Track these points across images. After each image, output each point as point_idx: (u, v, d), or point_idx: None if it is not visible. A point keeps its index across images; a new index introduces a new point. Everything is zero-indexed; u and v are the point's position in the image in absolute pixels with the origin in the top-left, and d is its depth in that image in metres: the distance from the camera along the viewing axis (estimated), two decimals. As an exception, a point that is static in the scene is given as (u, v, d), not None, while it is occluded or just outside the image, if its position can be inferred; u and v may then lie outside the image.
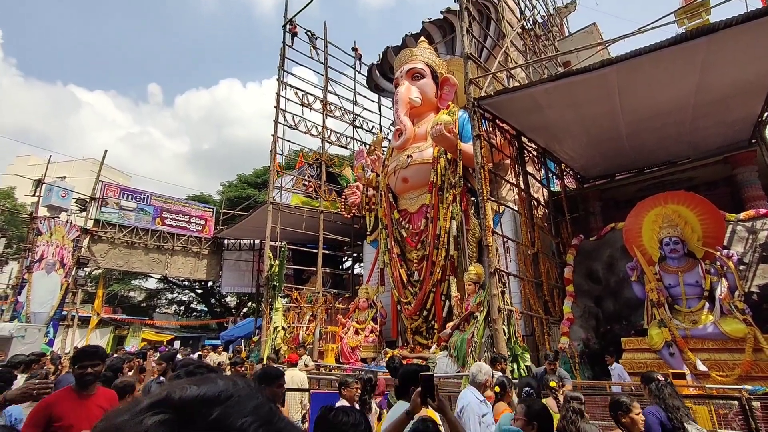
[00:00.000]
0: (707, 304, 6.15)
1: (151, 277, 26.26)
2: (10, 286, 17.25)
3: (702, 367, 5.26)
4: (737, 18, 5.65)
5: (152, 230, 17.72)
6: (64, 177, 21.75)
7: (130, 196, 17.64)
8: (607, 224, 9.44)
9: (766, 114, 8.76)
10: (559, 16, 18.05)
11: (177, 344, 23.50)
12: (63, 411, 2.45)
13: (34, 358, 5.57)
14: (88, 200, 16.53)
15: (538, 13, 14.91)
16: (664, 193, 7.57)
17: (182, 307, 32.17)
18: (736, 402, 3.77)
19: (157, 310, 30.67)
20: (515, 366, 6.66)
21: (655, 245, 6.99)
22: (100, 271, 18.91)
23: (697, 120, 8.50)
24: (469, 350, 7.65)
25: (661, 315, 6.30)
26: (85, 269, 16.41)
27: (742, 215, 7.45)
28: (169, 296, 31.52)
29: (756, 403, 3.76)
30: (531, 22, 13.66)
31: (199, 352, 13.28)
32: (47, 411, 2.44)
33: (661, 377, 3.38)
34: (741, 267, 6.75)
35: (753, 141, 9.55)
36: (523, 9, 13.23)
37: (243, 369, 6.53)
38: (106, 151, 16.90)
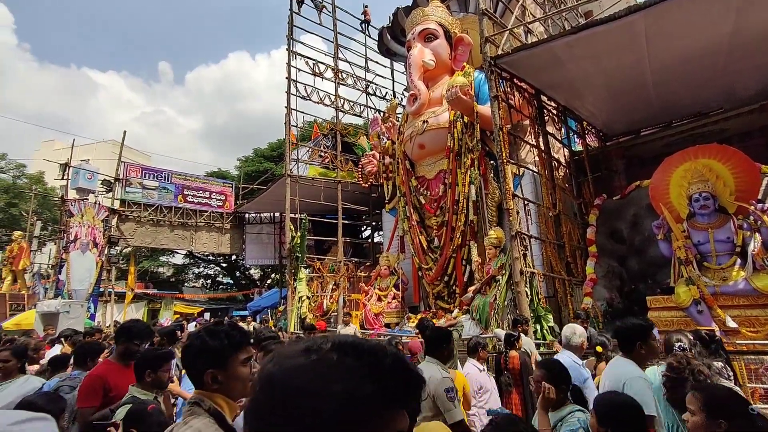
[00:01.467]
0: (738, 260, 5.98)
1: (177, 253, 27.18)
2: (51, 266, 18.16)
3: (732, 324, 5.19)
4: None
5: (175, 207, 18.18)
6: (88, 160, 22.29)
7: (151, 175, 18.04)
8: (630, 183, 9.16)
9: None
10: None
11: (207, 315, 24.58)
12: (115, 381, 2.64)
13: (91, 331, 6.08)
14: (112, 181, 16.99)
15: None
16: (694, 147, 7.23)
17: (209, 281, 33.40)
18: (766, 357, 3.73)
19: (186, 284, 31.97)
20: (538, 327, 6.73)
21: (683, 202, 6.75)
22: (130, 249, 19.67)
23: (731, 64, 7.97)
24: (492, 313, 7.75)
25: (689, 272, 6.17)
26: (116, 247, 17.15)
27: (778, 166, 7.08)
28: (196, 271, 32.70)
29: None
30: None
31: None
32: (102, 382, 2.63)
33: (683, 340, 3.19)
34: (776, 220, 6.49)
35: (793, 86, 8.93)
36: (541, -44, 12.37)
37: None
38: (125, 132, 17.18)
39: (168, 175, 18.44)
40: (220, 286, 33.35)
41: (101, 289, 16.14)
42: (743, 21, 6.56)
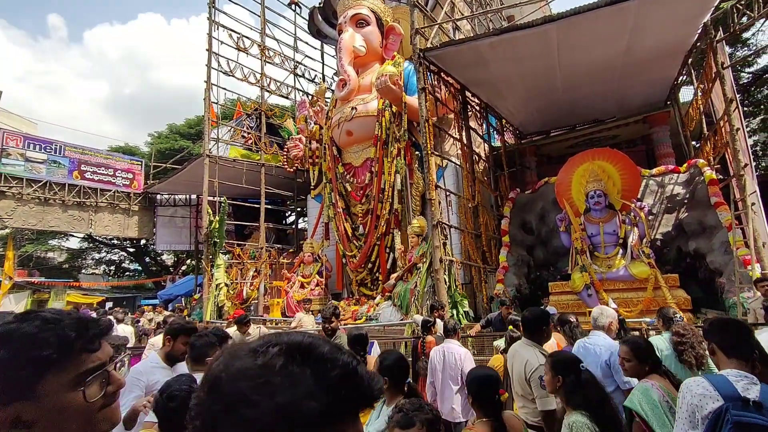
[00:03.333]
0: (621, 251, 6.93)
1: (72, 236, 24.09)
2: None
3: (613, 305, 5.98)
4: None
5: (70, 185, 15.98)
6: (-50, 123, 18.61)
7: (37, 146, 15.59)
8: (541, 178, 10.06)
9: (681, 77, 9.56)
10: (505, -34, 17.78)
11: (108, 305, 22.26)
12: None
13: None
14: (-16, 150, 14.39)
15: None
16: (592, 150, 8.16)
17: (112, 267, 30.19)
18: (637, 333, 4.39)
19: (83, 271, 28.52)
20: (454, 312, 7.15)
21: (582, 198, 7.61)
22: (7, 230, 16.94)
23: (623, 79, 9.08)
24: (412, 299, 8.06)
25: (583, 261, 7.00)
26: (-10, 229, 14.63)
27: (654, 171, 8.29)
28: (96, 256, 29.33)
29: (652, 332, 4.41)
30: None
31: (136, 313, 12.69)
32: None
33: (573, 319, 3.83)
34: (650, 217, 7.60)
35: (668, 102, 10.45)
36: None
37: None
38: (0, 92, 14.58)
39: (60, 147, 16.09)
40: (126, 273, 30.32)
41: (-30, 277, 13.75)
42: (634, 42, 7.49)
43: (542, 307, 7.23)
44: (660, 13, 6.78)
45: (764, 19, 7.35)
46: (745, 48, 15.18)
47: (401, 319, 8.17)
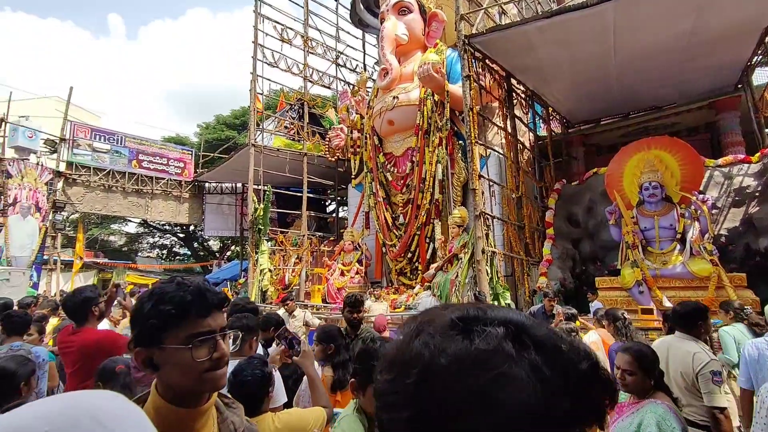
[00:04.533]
0: (678, 246, 6.49)
1: (131, 221, 25.86)
2: (-15, 231, 16.75)
3: (667, 303, 5.65)
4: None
5: (129, 173, 17.13)
6: (27, 117, 20.41)
7: (102, 137, 16.79)
8: (588, 169, 9.59)
9: (756, 58, 8.70)
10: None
11: (163, 287, 23.77)
12: None
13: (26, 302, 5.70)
14: (58, 141, 15.69)
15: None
16: (648, 138, 7.65)
17: (164, 251, 32.16)
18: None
19: (140, 254, 30.62)
20: (496, 303, 7.02)
21: (634, 190, 7.18)
22: (78, 215, 18.45)
23: (687, 62, 8.39)
24: (452, 290, 8.00)
25: (634, 256, 6.63)
26: (62, 213, 15.99)
27: (720, 161, 7.65)
28: (151, 240, 31.34)
29: (714, 335, 4.12)
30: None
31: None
32: None
33: (627, 315, 3.67)
34: (714, 211, 7.05)
35: (738, 86, 9.55)
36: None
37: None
38: (71, 88, 15.75)
39: (121, 138, 17.25)
40: (177, 257, 32.21)
41: (46, 257, 15.13)
42: (701, 21, 6.87)
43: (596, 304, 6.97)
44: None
45: None
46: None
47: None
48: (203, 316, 1.01)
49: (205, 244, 29.53)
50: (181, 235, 28.43)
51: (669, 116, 10.44)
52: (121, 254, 28.07)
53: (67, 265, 17.38)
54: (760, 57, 8.67)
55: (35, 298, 7.72)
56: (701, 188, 7.10)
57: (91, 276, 21.16)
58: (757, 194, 7.09)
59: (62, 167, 15.54)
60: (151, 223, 25.56)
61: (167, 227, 26.92)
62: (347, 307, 3.37)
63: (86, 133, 16.45)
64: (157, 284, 1.06)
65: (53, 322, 5.52)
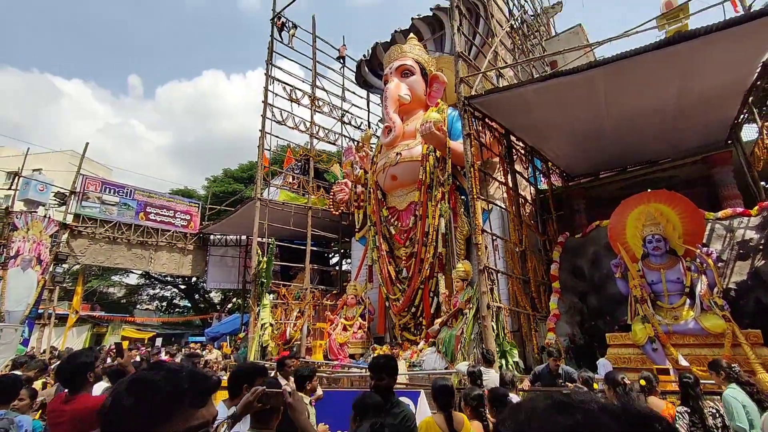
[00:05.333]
0: (688, 301, 6.38)
1: (132, 272, 25.72)
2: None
3: (684, 362, 5.46)
4: (717, 25, 5.82)
5: (135, 225, 17.33)
6: (40, 170, 21.06)
7: (112, 190, 17.21)
8: (591, 221, 9.66)
9: (742, 116, 9.09)
10: (545, 15, 18.26)
11: (159, 341, 23.12)
12: None
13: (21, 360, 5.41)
14: (67, 194, 16.05)
15: (526, 12, 15.06)
16: (648, 191, 7.80)
17: (164, 303, 31.65)
18: (717, 397, 3.93)
19: (138, 306, 30.11)
20: (503, 362, 6.79)
21: (638, 242, 7.20)
22: (78, 267, 18.42)
23: (677, 120, 8.75)
24: (458, 346, 7.77)
25: (644, 311, 6.50)
26: (64, 265, 15.97)
27: (720, 214, 7.73)
28: (151, 292, 30.97)
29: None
30: (519, 21, 13.79)
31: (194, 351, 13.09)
32: None
33: (627, 380, 3.54)
34: (719, 264, 7.01)
35: (729, 142, 9.88)
36: (511, 8, 13.36)
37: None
38: (87, 143, 16.42)
39: (130, 191, 17.66)
40: (176, 309, 31.63)
41: (40, 311, 14.89)
42: (686, 85, 7.28)
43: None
44: (712, 56, 6.60)
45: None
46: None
47: (446, 367, 7.85)
48: (197, 407, 0.88)
49: (207, 296, 29.13)
50: (183, 287, 28.13)
51: (665, 170, 10.70)
52: (119, 306, 27.60)
53: (61, 319, 17.04)
54: (746, 115, 9.06)
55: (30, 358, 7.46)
56: (704, 241, 7.12)
57: (85, 330, 20.64)
58: (761, 247, 7.08)
59: (69, 219, 15.77)
60: (153, 275, 25.40)
61: (169, 278, 26.71)
62: (373, 370, 2.85)
63: (97, 186, 16.88)
64: (139, 373, 0.90)
65: (38, 384, 5.17)
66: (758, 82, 7.56)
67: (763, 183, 9.77)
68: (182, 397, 0.86)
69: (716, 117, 8.79)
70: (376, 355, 3.12)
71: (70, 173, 17.05)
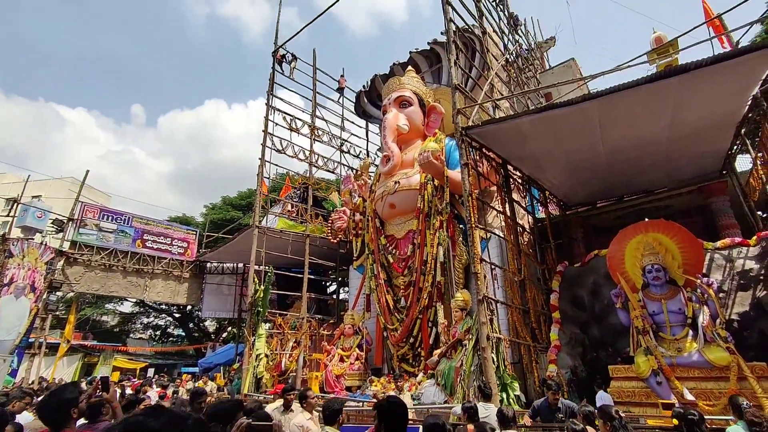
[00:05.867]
0: (690, 332, 6.26)
1: (127, 300, 25.35)
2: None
3: (689, 396, 5.30)
4: (706, 60, 6.01)
5: (132, 252, 17.21)
6: (39, 196, 21.12)
7: (110, 217, 17.19)
8: (589, 250, 9.63)
9: (735, 147, 9.24)
10: (539, 50, 18.88)
11: (151, 372, 22.50)
12: None
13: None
14: (65, 221, 16.02)
15: (521, 47, 15.59)
16: (645, 221, 7.82)
17: (158, 332, 31.03)
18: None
19: (131, 335, 29.51)
20: (504, 395, 6.59)
21: (638, 272, 7.15)
22: (72, 294, 18.17)
23: (671, 151, 8.89)
24: (458, 379, 7.56)
25: (646, 342, 6.37)
26: (57, 293, 15.75)
27: (719, 243, 7.72)
28: (145, 320, 30.44)
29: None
30: (514, 55, 14.24)
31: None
32: None
33: (622, 414, 3.56)
34: (721, 295, 6.94)
35: (723, 172, 10.01)
36: (506, 42, 13.82)
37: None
38: (87, 171, 16.57)
39: (128, 218, 17.65)
40: (170, 338, 30.98)
41: (31, 340, 14.55)
42: (678, 116, 7.44)
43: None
44: (703, 89, 6.78)
45: (819, 89, 7.14)
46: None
47: (445, 401, 7.61)
48: None
49: (201, 325, 28.60)
50: (177, 315, 27.66)
51: (661, 199, 10.78)
52: (112, 335, 27.03)
53: (52, 348, 16.65)
54: (740, 146, 9.22)
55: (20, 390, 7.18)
56: (704, 271, 7.07)
57: (76, 360, 20.13)
58: (761, 278, 7.03)
59: (66, 246, 15.66)
60: (148, 303, 25.02)
61: (164, 307, 26.30)
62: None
63: (95, 213, 16.87)
64: (135, 418, 0.80)
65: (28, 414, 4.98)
66: (749, 114, 7.74)
67: (760, 213, 9.83)
68: None
69: (710, 148, 8.94)
70: (388, 395, 2.87)
71: (69, 200, 17.10)
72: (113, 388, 3.46)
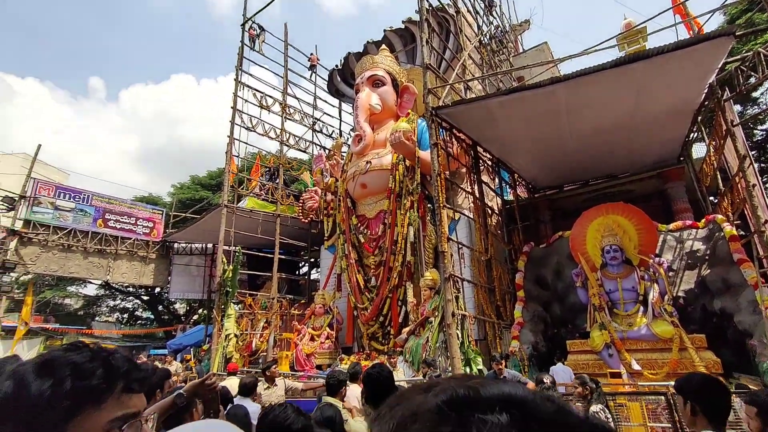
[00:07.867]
0: (641, 308, 6.65)
1: (90, 283, 24.45)
2: None
3: (636, 367, 5.66)
4: (669, 46, 6.19)
5: (93, 233, 16.51)
6: (-10, 173, 19.81)
7: (67, 196, 16.35)
8: (555, 232, 9.96)
9: (692, 134, 9.66)
10: (513, 33, 18.93)
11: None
12: None
13: None
14: (17, 199, 15.14)
15: (496, 28, 15.57)
16: (606, 204, 8.14)
17: (125, 315, 30.21)
18: (662, 397, 4.10)
19: (97, 318, 28.61)
20: (467, 369, 6.83)
21: (597, 253, 7.47)
22: (29, 276, 17.34)
23: (633, 137, 9.21)
24: (424, 355, 7.76)
25: (601, 318, 6.72)
26: (12, 274, 15.00)
27: (672, 226, 8.15)
28: (111, 303, 29.53)
29: (680, 398, 4.10)
30: (488, 37, 14.23)
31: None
32: None
33: (547, 380, 3.91)
34: (670, 273, 7.36)
35: (681, 158, 10.48)
36: (480, 24, 13.77)
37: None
38: (39, 145, 15.61)
39: (88, 196, 16.84)
40: (139, 321, 30.24)
41: (-15, 322, 13.90)
42: (641, 102, 7.68)
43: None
44: (664, 76, 7.00)
45: (769, 80, 7.51)
46: (755, 106, 15.41)
47: (413, 376, 7.82)
48: (133, 392, 0.76)
49: (171, 307, 28.01)
50: (146, 298, 26.95)
51: (624, 184, 11.21)
52: (76, 318, 26.13)
53: (9, 332, 15.95)
54: (696, 134, 9.64)
55: None
56: (657, 252, 7.46)
57: (37, 343, 19.38)
58: (706, 258, 7.50)
59: (19, 225, 14.85)
60: (113, 285, 24.23)
61: (131, 289, 25.54)
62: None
63: (50, 191, 16.01)
64: (53, 353, 0.74)
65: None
66: (706, 102, 8.08)
67: (711, 198, 10.39)
68: (116, 378, 0.74)
69: (669, 135, 9.31)
70: (372, 364, 2.74)
71: (21, 177, 16.10)
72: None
